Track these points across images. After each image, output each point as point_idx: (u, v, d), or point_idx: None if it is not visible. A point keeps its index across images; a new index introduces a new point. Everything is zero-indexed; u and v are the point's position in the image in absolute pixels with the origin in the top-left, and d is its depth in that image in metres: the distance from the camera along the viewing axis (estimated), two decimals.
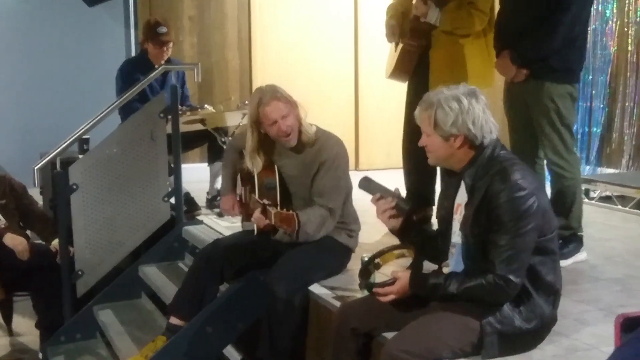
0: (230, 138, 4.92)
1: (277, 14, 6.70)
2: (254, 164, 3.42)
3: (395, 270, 2.57)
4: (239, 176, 3.65)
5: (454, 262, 2.57)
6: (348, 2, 6.90)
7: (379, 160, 6.64)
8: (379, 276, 2.79)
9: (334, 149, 3.39)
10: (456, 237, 2.57)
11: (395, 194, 2.70)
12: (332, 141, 3.42)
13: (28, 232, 4.85)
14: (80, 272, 4.38)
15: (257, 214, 3.17)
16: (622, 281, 3.38)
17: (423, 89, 4.12)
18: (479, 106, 2.44)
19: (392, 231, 2.77)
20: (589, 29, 3.97)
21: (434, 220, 4.19)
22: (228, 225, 4.48)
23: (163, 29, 5.03)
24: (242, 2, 6.61)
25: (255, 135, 3.40)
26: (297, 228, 3.05)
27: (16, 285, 4.67)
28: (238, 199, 3.65)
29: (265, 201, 3.17)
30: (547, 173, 3.82)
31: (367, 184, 2.76)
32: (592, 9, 4.24)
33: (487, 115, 2.46)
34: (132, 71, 5.05)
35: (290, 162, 3.45)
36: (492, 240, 2.37)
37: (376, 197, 2.71)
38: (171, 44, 5.12)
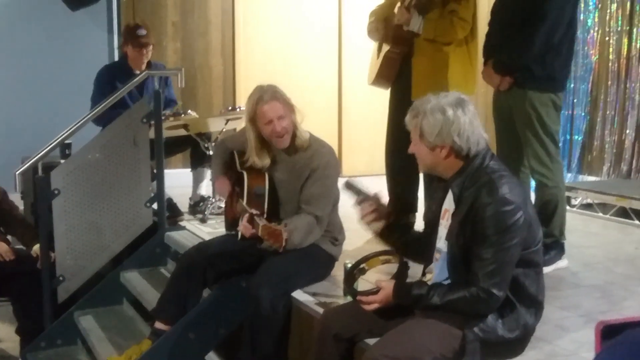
0: (213, 143, 4.92)
1: (261, 20, 6.71)
2: (262, 160, 3.43)
3: (379, 280, 2.57)
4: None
5: (438, 270, 2.57)
6: (332, 8, 6.92)
7: (362, 167, 6.64)
8: (362, 283, 2.79)
9: (325, 157, 3.40)
10: (441, 242, 2.57)
11: (376, 198, 2.73)
12: (324, 149, 3.44)
13: (9, 237, 4.81)
14: (61, 278, 4.35)
15: (244, 222, 3.17)
16: (602, 288, 3.41)
17: (405, 96, 4.18)
18: (465, 117, 2.43)
19: (375, 234, 2.78)
20: None
21: (416, 227, 4.26)
22: (210, 231, 4.48)
23: (142, 31, 5.03)
24: (225, 8, 6.61)
25: (254, 132, 3.41)
26: (283, 244, 3.02)
27: None
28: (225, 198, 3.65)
29: (254, 211, 3.16)
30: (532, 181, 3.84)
31: (350, 187, 2.78)
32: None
33: (473, 127, 2.44)
34: (109, 77, 5.03)
35: (282, 166, 3.45)
36: (476, 252, 2.37)
37: (359, 200, 2.74)
38: (150, 47, 5.10)
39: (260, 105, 3.34)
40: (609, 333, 1.45)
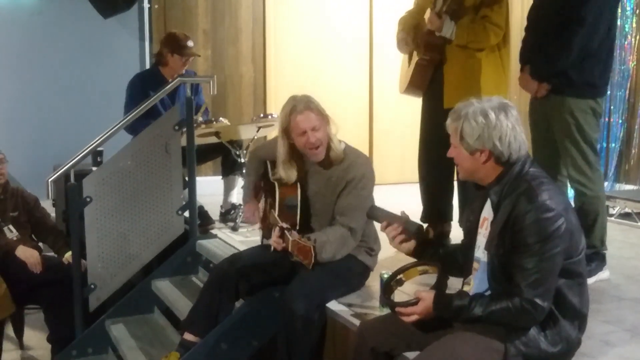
0: (245, 151, 4.90)
1: (291, 28, 6.69)
2: (289, 174, 3.37)
3: (418, 290, 2.50)
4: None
5: (477, 281, 2.50)
6: (363, 17, 6.88)
7: (393, 176, 6.59)
8: (399, 295, 2.72)
9: (362, 169, 3.33)
10: (480, 252, 2.51)
11: (402, 219, 2.68)
12: (360, 160, 3.37)
13: (40, 244, 4.82)
14: (92, 286, 4.34)
15: (275, 237, 3.13)
16: None
17: (437, 104, 4.12)
18: (508, 122, 2.37)
19: (409, 254, 2.74)
20: None
21: (452, 236, 4.19)
22: (242, 240, 4.45)
23: (191, 43, 5.12)
24: (256, 16, 6.60)
25: (286, 144, 3.35)
26: (312, 262, 2.97)
27: (28, 299, 4.65)
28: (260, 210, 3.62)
29: (284, 225, 3.11)
30: (570, 190, 3.75)
31: (373, 213, 2.76)
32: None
33: (516, 132, 2.38)
34: (141, 86, 5.05)
35: (317, 178, 3.39)
36: (518, 262, 2.30)
37: (384, 225, 2.70)
38: (192, 58, 5.17)
39: (294, 115, 3.27)
40: None
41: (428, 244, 2.73)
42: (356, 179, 3.28)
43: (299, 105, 3.28)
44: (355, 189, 3.28)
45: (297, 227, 3.26)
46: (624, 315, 3.10)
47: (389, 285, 2.66)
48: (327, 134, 3.31)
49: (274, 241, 3.14)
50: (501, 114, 2.37)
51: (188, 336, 3.45)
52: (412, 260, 2.74)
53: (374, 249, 3.45)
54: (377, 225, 3.49)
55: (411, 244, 2.68)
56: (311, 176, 3.41)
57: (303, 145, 3.29)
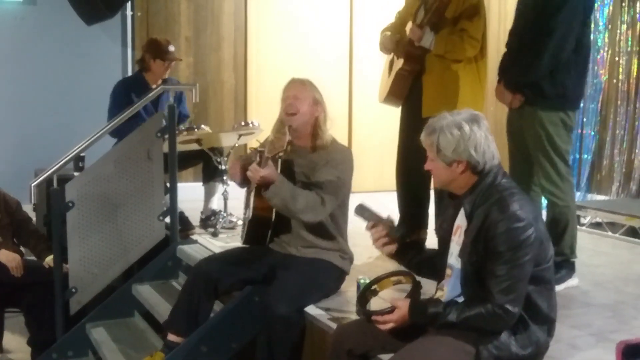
0: (225, 158, 4.96)
1: (272, 36, 6.77)
2: (276, 136, 3.54)
3: (394, 298, 2.59)
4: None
5: (450, 287, 2.59)
6: (343, 24, 6.98)
7: (371, 183, 6.67)
8: (376, 300, 2.81)
9: (344, 153, 3.52)
10: (453, 259, 2.60)
11: (387, 222, 2.77)
12: (344, 149, 3.59)
13: (22, 248, 4.84)
14: (73, 290, 4.36)
15: (254, 165, 3.26)
16: (613, 307, 3.43)
17: (416, 114, 4.22)
18: (481, 132, 2.48)
19: (389, 256, 2.83)
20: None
21: (428, 243, 4.28)
22: (222, 245, 4.50)
23: (172, 47, 5.20)
24: (238, 24, 6.68)
25: (280, 116, 3.56)
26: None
27: (8, 302, 4.65)
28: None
29: (262, 149, 3.29)
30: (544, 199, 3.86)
31: (362, 212, 2.83)
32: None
33: (489, 141, 2.50)
34: (125, 91, 5.10)
35: (301, 160, 3.50)
36: (490, 269, 2.40)
37: (370, 225, 2.79)
38: (174, 63, 5.23)
39: (289, 83, 3.54)
40: (630, 353, 1.47)
41: (408, 249, 2.82)
42: (336, 160, 3.44)
43: (299, 79, 3.55)
44: (335, 168, 3.42)
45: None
46: (591, 320, 3.22)
47: (363, 296, 2.75)
48: (310, 113, 3.48)
49: (253, 169, 3.26)
50: (474, 125, 2.48)
51: (171, 337, 3.52)
52: (388, 263, 2.83)
53: (347, 252, 3.56)
54: (354, 232, 3.62)
55: (392, 247, 2.77)
56: (296, 159, 3.51)
57: (284, 111, 3.48)
